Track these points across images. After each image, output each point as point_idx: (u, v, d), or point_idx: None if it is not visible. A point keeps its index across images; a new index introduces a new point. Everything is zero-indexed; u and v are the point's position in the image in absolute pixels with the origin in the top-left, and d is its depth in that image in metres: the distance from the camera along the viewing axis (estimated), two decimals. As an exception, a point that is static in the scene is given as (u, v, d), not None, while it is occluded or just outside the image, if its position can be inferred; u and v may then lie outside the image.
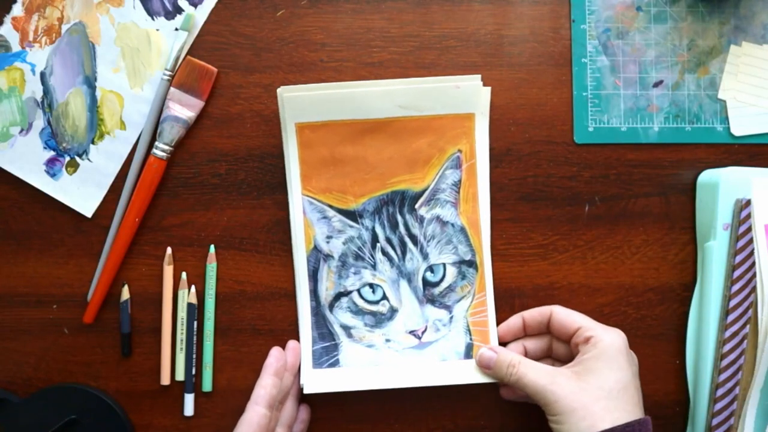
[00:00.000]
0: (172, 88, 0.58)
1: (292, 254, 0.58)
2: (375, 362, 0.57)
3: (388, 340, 0.57)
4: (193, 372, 0.58)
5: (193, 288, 0.58)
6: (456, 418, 0.59)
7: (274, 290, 0.59)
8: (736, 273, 0.55)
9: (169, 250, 0.58)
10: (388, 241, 0.57)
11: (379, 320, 0.57)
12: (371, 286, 0.57)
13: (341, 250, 0.57)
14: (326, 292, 0.58)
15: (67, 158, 0.58)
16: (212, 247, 0.58)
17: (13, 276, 0.59)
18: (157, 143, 0.57)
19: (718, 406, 0.55)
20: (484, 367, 0.55)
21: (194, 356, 0.58)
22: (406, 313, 0.57)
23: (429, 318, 0.57)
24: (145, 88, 0.58)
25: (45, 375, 0.59)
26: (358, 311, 0.57)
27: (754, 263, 0.54)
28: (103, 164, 0.58)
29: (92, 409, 0.57)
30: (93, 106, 0.58)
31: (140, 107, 0.58)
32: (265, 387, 0.53)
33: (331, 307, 0.58)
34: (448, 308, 0.57)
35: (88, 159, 0.58)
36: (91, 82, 0.58)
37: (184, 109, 0.58)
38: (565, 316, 0.55)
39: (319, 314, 0.58)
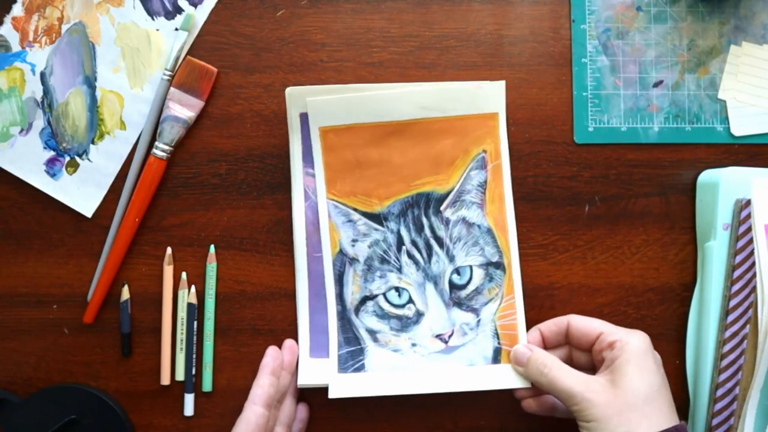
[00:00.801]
0: (172, 88, 0.58)
1: (295, 256, 0.58)
2: (401, 367, 0.56)
3: (414, 345, 0.56)
4: (193, 372, 0.58)
5: (193, 288, 0.58)
6: (456, 418, 0.59)
7: (274, 290, 0.59)
8: (736, 273, 0.55)
9: (169, 250, 0.58)
10: (414, 243, 0.56)
11: (405, 324, 0.56)
12: (397, 289, 0.56)
13: (367, 253, 0.57)
14: (352, 296, 0.57)
15: (67, 158, 0.58)
16: (212, 247, 0.58)
17: (13, 276, 0.59)
18: (157, 143, 0.57)
19: (718, 406, 0.55)
20: (518, 364, 0.54)
21: (194, 356, 0.58)
22: (432, 317, 0.56)
23: (456, 321, 0.56)
24: (145, 88, 0.58)
25: (45, 375, 0.59)
26: (383, 315, 0.57)
27: (754, 263, 0.54)
28: (103, 164, 0.58)
29: (92, 409, 0.57)
30: (93, 106, 0.58)
31: (140, 107, 0.58)
32: (263, 386, 0.53)
33: (357, 311, 0.57)
34: (476, 311, 0.56)
35: (88, 159, 0.58)
36: (91, 82, 0.58)
37: (184, 109, 0.58)
38: (584, 324, 0.54)
39: (344, 318, 0.57)
